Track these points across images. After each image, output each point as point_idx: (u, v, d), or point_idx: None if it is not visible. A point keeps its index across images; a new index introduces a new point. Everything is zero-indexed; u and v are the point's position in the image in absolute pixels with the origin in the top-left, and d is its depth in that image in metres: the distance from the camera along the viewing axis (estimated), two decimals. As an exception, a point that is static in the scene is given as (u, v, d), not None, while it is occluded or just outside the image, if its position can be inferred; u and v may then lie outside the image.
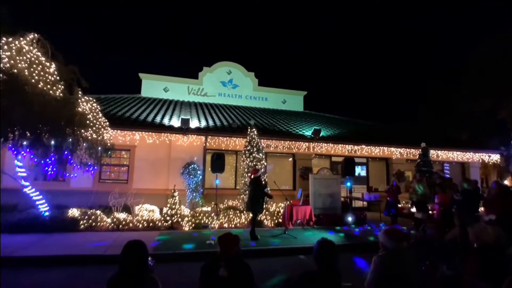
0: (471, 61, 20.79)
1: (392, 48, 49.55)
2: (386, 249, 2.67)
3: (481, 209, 7.79)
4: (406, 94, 36.42)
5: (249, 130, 10.15)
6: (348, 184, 10.77)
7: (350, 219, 9.64)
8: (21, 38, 6.22)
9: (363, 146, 12.60)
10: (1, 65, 5.58)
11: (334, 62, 55.05)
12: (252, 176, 7.79)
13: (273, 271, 5.32)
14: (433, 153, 13.23)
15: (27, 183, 7.17)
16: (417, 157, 12.44)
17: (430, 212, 9.14)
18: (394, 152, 13.23)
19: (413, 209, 9.36)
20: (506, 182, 15.85)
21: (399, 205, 10.64)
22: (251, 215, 7.83)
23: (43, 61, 6.48)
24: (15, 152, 6.18)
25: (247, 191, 7.54)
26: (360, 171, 13.38)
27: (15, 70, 5.72)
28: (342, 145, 12.34)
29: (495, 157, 15.01)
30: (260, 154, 9.88)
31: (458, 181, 9.21)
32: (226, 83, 17.25)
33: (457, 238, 6.46)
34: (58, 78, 6.72)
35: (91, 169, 7.72)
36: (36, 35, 6.57)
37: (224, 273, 2.29)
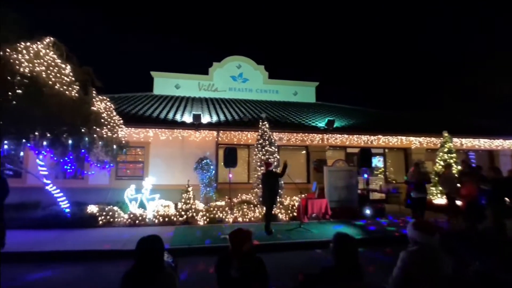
0: (500, 42, 20.11)
1: (409, 31, 48.20)
2: (416, 243, 2.55)
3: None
4: (425, 80, 35.49)
5: (260, 123, 10.37)
6: (365, 175, 10.79)
7: (367, 211, 9.65)
8: (38, 42, 6.71)
9: (380, 136, 12.54)
10: (21, 69, 6.07)
11: (347, 50, 54.20)
12: (265, 170, 8.02)
13: (289, 265, 5.45)
14: (457, 141, 13.01)
15: (49, 181, 7.71)
16: (438, 146, 12.28)
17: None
18: (413, 142, 13.12)
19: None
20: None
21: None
22: (265, 209, 7.99)
23: (59, 63, 6.95)
24: (37, 151, 6.70)
25: (260, 185, 7.75)
26: (376, 162, 13.35)
27: (34, 73, 6.20)
28: (357, 135, 12.34)
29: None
30: (273, 147, 10.08)
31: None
32: (236, 78, 17.55)
33: (490, 231, 6.36)
34: (73, 79, 7.19)
35: (107, 166, 8.21)
36: (51, 38, 7.05)
37: (237, 273, 2.29)
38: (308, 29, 56.06)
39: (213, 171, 10.68)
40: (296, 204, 9.45)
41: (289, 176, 8.62)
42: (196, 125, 10.63)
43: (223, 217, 8.78)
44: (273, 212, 8.01)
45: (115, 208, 8.61)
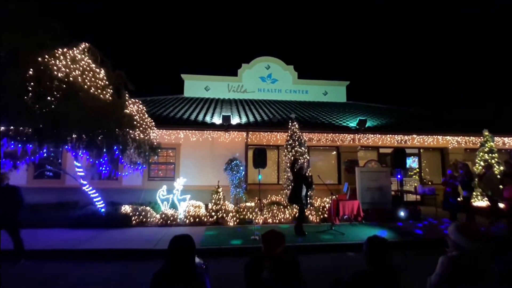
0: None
1: (443, 27, 45.49)
2: (459, 248, 2.31)
3: None
4: (461, 77, 33.21)
5: (290, 123, 9.99)
6: (398, 176, 10.12)
7: (402, 214, 9.03)
8: (74, 48, 6.74)
9: (414, 136, 11.75)
10: (59, 74, 6.09)
11: (378, 48, 52.15)
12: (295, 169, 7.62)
13: (319, 268, 5.23)
14: (498, 141, 11.92)
15: (85, 182, 7.77)
16: (478, 145, 11.32)
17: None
18: (450, 141, 12.15)
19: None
20: None
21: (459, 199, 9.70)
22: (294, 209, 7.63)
23: (94, 68, 6.95)
24: (74, 153, 6.73)
25: (290, 186, 7.40)
26: (411, 162, 12.48)
27: (71, 78, 6.21)
28: (390, 135, 11.63)
29: None
30: (302, 148, 9.67)
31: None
32: (265, 78, 17.21)
33: None
34: (107, 83, 7.17)
35: (140, 167, 8.17)
36: (87, 44, 7.08)
37: (269, 275, 2.19)
38: (337, 28, 54.68)
39: (243, 172, 10.42)
40: (327, 205, 8.98)
41: (320, 177, 8.21)
42: (226, 126, 10.43)
43: (253, 218, 8.50)
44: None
45: (148, 208, 8.57)
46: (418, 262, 5.49)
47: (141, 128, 7.96)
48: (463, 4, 41.02)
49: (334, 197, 8.63)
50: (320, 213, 8.90)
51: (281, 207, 9.04)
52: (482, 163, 10.82)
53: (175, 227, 7.90)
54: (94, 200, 7.93)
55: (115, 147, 6.89)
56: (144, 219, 8.18)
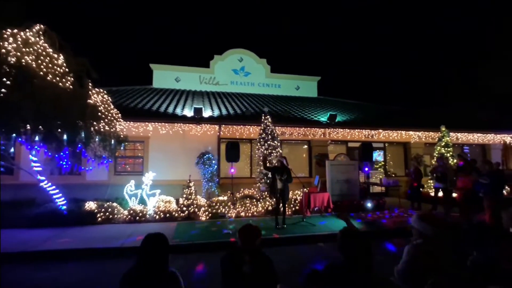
0: (493, 40, 19.61)
1: (408, 28, 47.41)
2: (423, 236, 2.41)
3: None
4: (423, 76, 34.91)
5: (263, 117, 9.73)
6: (366, 169, 10.31)
7: (369, 205, 9.24)
8: (27, 30, 5.92)
9: (380, 131, 12.01)
10: (8, 58, 5.31)
11: (348, 45, 53.33)
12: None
13: (293, 260, 5.18)
14: (453, 136, 12.56)
15: (43, 178, 7.00)
16: (436, 140, 11.84)
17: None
18: (412, 136, 12.60)
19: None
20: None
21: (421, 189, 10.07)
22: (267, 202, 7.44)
23: (51, 53, 6.18)
24: (29, 147, 5.97)
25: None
26: (377, 156, 12.80)
27: (23, 63, 5.44)
28: (358, 130, 11.78)
29: (518, 138, 14.14)
30: (275, 142, 9.48)
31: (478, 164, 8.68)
32: (238, 71, 16.73)
33: (486, 222, 6.10)
34: (67, 70, 6.43)
35: (105, 161, 7.51)
36: (42, 26, 6.26)
37: (249, 269, 2.10)
38: (310, 23, 54.96)
39: (215, 166, 10.05)
40: (299, 198, 8.93)
41: (292, 171, 8.09)
42: (198, 119, 9.94)
43: (226, 212, 8.24)
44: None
45: (114, 204, 7.95)
46: (384, 251, 5.61)
47: (106, 120, 7.30)
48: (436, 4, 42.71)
49: (305, 189, 8.62)
50: (292, 205, 8.82)
51: (254, 200, 8.82)
52: (435, 161, 11.30)
53: (144, 224, 7.42)
54: (54, 197, 7.19)
55: (77, 140, 6.22)
56: (111, 216, 7.58)
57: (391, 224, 7.50)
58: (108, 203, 7.86)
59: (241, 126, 10.54)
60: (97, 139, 6.76)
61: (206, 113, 10.70)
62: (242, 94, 15.86)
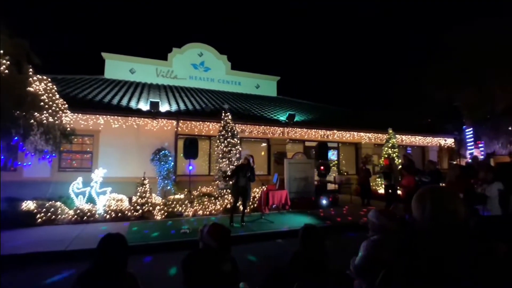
0: (434, 52, 21.64)
1: (364, 36, 50.26)
2: (381, 231, 2.48)
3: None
4: (375, 80, 37.32)
5: (223, 114, 9.56)
6: (321, 168, 10.69)
7: (324, 202, 9.58)
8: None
9: (335, 131, 12.58)
10: None
11: (307, 47, 54.92)
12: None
13: (253, 257, 5.17)
14: (399, 138, 13.58)
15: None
16: (384, 141, 12.70)
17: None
18: (363, 137, 13.38)
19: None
20: (455, 163, 16.88)
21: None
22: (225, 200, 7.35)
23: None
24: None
25: (245, 177, 7.07)
26: (331, 155, 13.36)
27: None
28: (315, 130, 12.20)
29: (450, 141, 15.82)
30: (235, 139, 9.39)
31: (418, 164, 9.57)
32: (198, 66, 16.27)
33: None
34: (1, 51, 5.63)
35: (48, 156, 6.74)
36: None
37: (228, 268, 2.03)
38: (273, 24, 55.38)
39: (172, 163, 9.64)
40: (258, 195, 8.97)
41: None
42: (154, 113, 9.46)
43: (183, 210, 7.95)
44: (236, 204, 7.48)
45: (58, 203, 7.21)
46: (337, 245, 5.84)
47: (50, 111, 6.56)
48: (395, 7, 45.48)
49: (264, 187, 8.67)
50: (250, 203, 8.79)
51: (213, 198, 8.64)
52: (386, 156, 12.14)
53: (93, 224, 6.85)
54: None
55: (13, 132, 5.49)
56: (53, 216, 6.86)
57: (346, 220, 7.88)
58: (50, 203, 7.10)
59: (200, 122, 10.26)
60: (38, 132, 6.04)
61: (163, 107, 10.22)
62: (202, 89, 15.48)
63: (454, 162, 15.68)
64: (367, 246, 2.43)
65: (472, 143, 16.77)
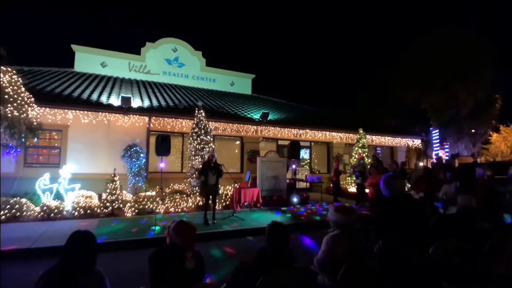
0: (403, 57, 22.79)
1: (339, 36, 51.65)
2: (338, 226, 2.72)
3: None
4: (348, 81, 38.60)
5: (196, 111, 9.75)
6: (293, 166, 11.16)
7: (295, 199, 9.97)
8: None
9: (308, 130, 13.07)
10: None
11: (282, 47, 55.66)
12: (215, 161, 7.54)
13: (223, 254, 5.42)
14: (369, 138, 14.33)
15: None
16: (355, 141, 13.38)
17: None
18: (335, 137, 14.01)
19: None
20: (422, 163, 18.03)
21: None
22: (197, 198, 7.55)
23: None
24: None
25: (214, 175, 7.26)
26: (303, 154, 13.92)
27: None
28: (288, 129, 12.64)
29: (417, 142, 16.88)
30: (208, 137, 9.63)
31: (387, 163, 10.21)
32: (172, 61, 16.28)
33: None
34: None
35: (12, 151, 6.69)
36: None
37: (191, 265, 2.18)
38: (249, 22, 55.53)
39: (143, 160, 9.72)
40: (230, 193, 9.24)
41: (224, 166, 8.34)
42: (125, 109, 9.49)
43: (154, 208, 8.06)
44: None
45: (23, 200, 7.17)
46: (310, 241, 6.24)
47: (15, 104, 6.51)
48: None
49: (236, 185, 8.94)
50: (222, 200, 9.07)
51: (185, 196, 8.85)
52: (357, 156, 12.84)
53: (60, 221, 6.86)
54: None
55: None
56: (18, 213, 6.84)
57: (312, 217, 8.30)
58: (15, 199, 7.04)
59: (173, 119, 10.40)
60: (2, 125, 6.01)
61: (135, 103, 10.27)
62: (175, 85, 15.54)
63: (421, 163, 16.82)
64: (326, 241, 2.66)
65: (438, 144, 17.95)
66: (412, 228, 2.66)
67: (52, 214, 7.06)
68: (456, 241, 2.68)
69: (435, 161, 15.94)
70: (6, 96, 6.32)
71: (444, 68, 19.96)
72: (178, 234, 2.32)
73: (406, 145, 16.67)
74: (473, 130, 21.24)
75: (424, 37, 21.79)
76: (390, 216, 2.76)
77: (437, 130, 18.17)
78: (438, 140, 17.93)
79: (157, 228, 6.33)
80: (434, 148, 18.01)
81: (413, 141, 16.60)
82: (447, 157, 17.40)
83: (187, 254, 2.22)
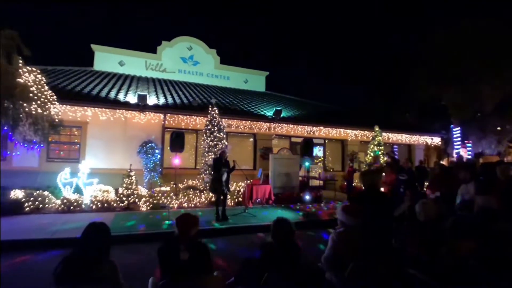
0: (422, 51, 22.10)
1: (354, 34, 50.77)
2: (343, 225, 2.77)
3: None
4: (363, 78, 37.90)
5: (210, 108, 9.95)
6: (307, 164, 11.16)
7: (307, 197, 9.95)
8: None
9: (321, 128, 13.02)
10: None
11: (297, 43, 55.26)
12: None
13: (234, 249, 5.54)
14: (385, 136, 14.09)
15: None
16: (370, 139, 13.18)
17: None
18: (349, 134, 13.88)
19: None
20: (443, 162, 17.52)
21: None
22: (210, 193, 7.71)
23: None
24: None
25: (225, 172, 7.42)
26: (317, 151, 13.89)
27: None
28: (301, 126, 12.64)
29: (437, 140, 16.41)
30: (221, 134, 9.81)
31: (401, 161, 9.95)
32: (187, 60, 16.59)
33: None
34: (-9, 43, 5.96)
35: (36, 147, 7.11)
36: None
37: (185, 256, 2.26)
38: (263, 19, 55.57)
39: (158, 156, 10.03)
40: (242, 189, 9.38)
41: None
42: (141, 106, 9.80)
43: (168, 202, 8.34)
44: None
45: (46, 193, 7.61)
46: (315, 240, 6.27)
47: (39, 102, 6.89)
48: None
49: (248, 181, 9.05)
50: (235, 196, 9.24)
51: (198, 191, 9.08)
52: (372, 154, 12.68)
53: (79, 214, 7.24)
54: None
55: (3, 122, 5.85)
56: (41, 205, 7.27)
57: (323, 215, 8.29)
58: (38, 192, 7.49)
59: (187, 116, 10.65)
60: (27, 122, 6.40)
61: (151, 100, 10.59)
62: (190, 83, 15.82)
63: (441, 162, 16.37)
64: (333, 238, 2.73)
65: (459, 142, 17.38)
66: (372, 219, 2.82)
67: (72, 207, 7.45)
68: (473, 243, 2.60)
69: (454, 160, 15.54)
70: (31, 95, 6.68)
71: (468, 61, 19.11)
72: (176, 225, 2.44)
73: (424, 143, 16.27)
74: (498, 128, 20.34)
75: (447, 28, 20.95)
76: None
77: (459, 128, 17.56)
78: (459, 138, 17.35)
79: (170, 222, 6.56)
80: (455, 147, 17.46)
81: (432, 139, 16.17)
82: (469, 156, 16.87)
83: (180, 245, 2.32)
